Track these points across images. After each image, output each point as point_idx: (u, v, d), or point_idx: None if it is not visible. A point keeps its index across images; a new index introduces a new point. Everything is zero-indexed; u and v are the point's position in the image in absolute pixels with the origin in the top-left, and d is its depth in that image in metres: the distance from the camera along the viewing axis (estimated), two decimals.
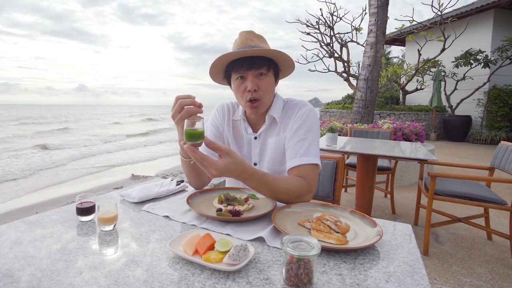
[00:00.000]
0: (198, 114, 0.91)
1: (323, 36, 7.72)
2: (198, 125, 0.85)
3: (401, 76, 10.62)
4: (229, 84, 1.18)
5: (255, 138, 1.23)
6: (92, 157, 9.98)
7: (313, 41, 7.88)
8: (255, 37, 1.12)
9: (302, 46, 7.99)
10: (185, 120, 0.85)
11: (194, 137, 0.84)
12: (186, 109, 0.91)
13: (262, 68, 1.08)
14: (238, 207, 0.94)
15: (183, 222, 0.89)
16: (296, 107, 1.18)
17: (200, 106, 0.91)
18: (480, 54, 8.81)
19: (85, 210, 0.90)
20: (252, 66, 1.06)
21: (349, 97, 12.28)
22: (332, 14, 7.41)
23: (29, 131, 19.62)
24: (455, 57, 9.24)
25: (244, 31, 1.13)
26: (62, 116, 41.29)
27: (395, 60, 19.30)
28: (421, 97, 11.02)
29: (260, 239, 0.78)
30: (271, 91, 1.14)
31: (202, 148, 0.87)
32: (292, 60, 1.13)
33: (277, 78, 1.18)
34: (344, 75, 7.61)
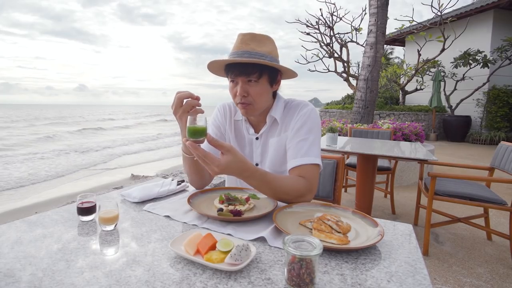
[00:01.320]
0: (199, 113, 0.91)
1: (323, 36, 7.74)
2: (200, 122, 0.85)
3: (401, 76, 10.63)
4: None
5: (257, 138, 1.23)
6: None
7: (313, 41, 7.89)
8: (252, 40, 1.08)
9: (302, 46, 8.01)
10: (188, 117, 0.86)
11: (196, 134, 0.84)
12: (187, 102, 0.94)
13: (252, 76, 1.06)
14: (239, 207, 0.94)
15: (184, 222, 0.89)
16: (297, 108, 1.17)
17: (197, 98, 0.94)
18: (479, 54, 8.82)
19: (86, 210, 0.90)
20: (242, 73, 1.06)
21: (349, 97, 12.29)
22: (332, 14, 7.42)
23: (63, 130, 19.61)
24: (454, 58, 9.26)
25: (242, 33, 1.12)
26: (77, 116, 41.30)
27: (396, 60, 19.30)
28: (421, 97, 11.03)
29: (262, 239, 0.78)
30: (262, 96, 1.11)
31: (204, 146, 0.87)
32: (287, 68, 1.10)
33: (275, 81, 1.15)
34: (344, 75, 7.62)
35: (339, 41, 7.68)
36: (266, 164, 1.21)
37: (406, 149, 2.68)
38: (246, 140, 1.25)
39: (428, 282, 0.61)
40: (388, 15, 5.63)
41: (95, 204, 0.92)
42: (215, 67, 1.14)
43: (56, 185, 6.02)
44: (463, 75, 9.35)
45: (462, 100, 9.39)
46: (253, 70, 1.06)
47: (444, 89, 9.90)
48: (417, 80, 9.94)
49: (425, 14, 9.72)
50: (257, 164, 1.23)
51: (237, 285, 0.59)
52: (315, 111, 1.17)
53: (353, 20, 7.41)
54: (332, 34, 7.65)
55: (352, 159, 3.32)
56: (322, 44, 7.79)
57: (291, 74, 1.18)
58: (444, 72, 9.95)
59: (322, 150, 2.55)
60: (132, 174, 6.25)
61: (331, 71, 7.89)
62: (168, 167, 7.53)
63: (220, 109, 1.31)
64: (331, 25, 7.54)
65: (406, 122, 5.07)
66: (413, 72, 8.41)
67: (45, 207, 4.16)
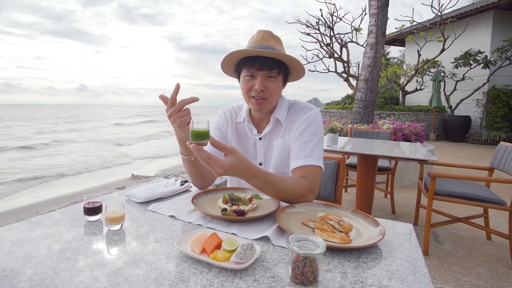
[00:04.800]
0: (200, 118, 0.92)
1: (323, 36, 7.75)
2: (203, 125, 0.87)
3: (401, 76, 10.65)
4: (238, 77, 1.20)
5: (260, 139, 1.24)
6: None
7: (313, 42, 7.91)
8: (271, 38, 1.13)
9: (302, 46, 8.02)
10: (191, 120, 0.88)
11: (200, 137, 0.86)
12: (179, 115, 0.95)
13: (273, 71, 1.09)
14: (243, 207, 0.96)
15: (189, 222, 0.91)
16: (302, 110, 1.20)
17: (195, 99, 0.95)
18: (480, 55, 8.84)
19: (93, 210, 0.91)
20: (263, 67, 1.08)
21: (349, 98, 12.30)
22: (332, 15, 7.44)
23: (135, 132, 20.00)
24: (454, 58, 9.27)
25: (262, 30, 1.15)
26: (100, 118, 41.29)
27: (395, 60, 19.32)
28: (421, 98, 11.05)
29: (265, 238, 0.80)
30: (278, 93, 1.15)
31: (207, 148, 0.88)
32: (303, 67, 1.14)
33: (285, 81, 1.19)
34: (344, 75, 7.64)
35: (339, 41, 7.69)
36: (271, 165, 1.22)
37: (406, 149, 2.69)
38: (250, 140, 1.27)
39: (428, 280, 0.62)
40: (388, 15, 5.65)
41: (101, 204, 0.93)
42: (230, 60, 1.14)
43: (56, 185, 6.05)
44: (463, 75, 9.36)
45: (462, 100, 9.40)
46: (275, 66, 1.09)
47: (444, 89, 9.91)
48: (417, 80, 9.96)
49: (425, 14, 9.75)
50: (260, 164, 1.25)
51: (243, 283, 0.60)
52: (319, 115, 1.19)
53: (353, 21, 7.43)
54: (332, 34, 7.67)
55: (353, 159, 3.34)
56: (322, 45, 7.81)
57: (297, 76, 1.23)
58: (444, 72, 9.97)
59: (323, 150, 2.57)
60: (132, 174, 6.27)
61: (331, 71, 7.90)
62: (167, 167, 7.55)
63: (221, 114, 1.33)
64: (331, 25, 7.55)
65: (406, 122, 5.09)
66: (413, 72, 8.43)
67: (45, 207, 4.17)
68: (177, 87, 0.93)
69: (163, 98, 0.94)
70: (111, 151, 11.53)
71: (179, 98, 0.95)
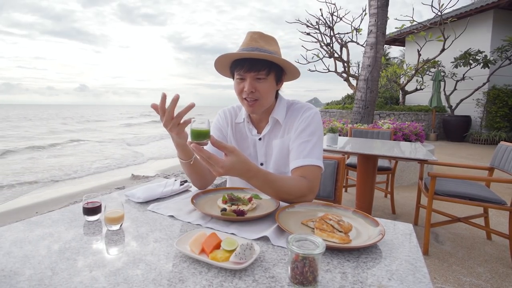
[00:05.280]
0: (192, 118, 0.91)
1: (323, 36, 7.76)
2: (204, 125, 0.87)
3: (401, 76, 10.64)
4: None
5: (260, 139, 1.24)
6: None
7: (313, 41, 7.91)
8: (261, 39, 1.12)
9: (302, 46, 8.02)
10: (192, 120, 0.88)
11: (200, 136, 0.86)
12: (175, 123, 0.93)
13: (261, 72, 1.09)
14: (242, 207, 0.96)
15: (188, 222, 0.91)
16: (301, 110, 1.19)
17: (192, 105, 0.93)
18: (479, 55, 8.84)
19: (92, 210, 0.91)
20: (251, 69, 1.08)
21: (349, 97, 12.29)
22: (332, 14, 7.44)
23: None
24: (454, 58, 9.27)
25: (251, 31, 1.14)
26: (105, 118, 41.27)
27: (395, 60, 19.33)
28: (421, 97, 11.04)
29: (265, 238, 0.80)
30: (269, 94, 1.14)
31: (208, 148, 0.88)
32: (293, 65, 1.12)
33: (280, 80, 1.18)
34: (344, 75, 7.64)
35: (339, 41, 7.69)
36: (271, 165, 1.22)
37: (406, 149, 2.69)
38: (250, 141, 1.27)
39: (428, 280, 0.62)
40: (388, 15, 5.65)
41: (101, 204, 0.93)
42: (223, 63, 1.15)
43: (56, 185, 6.05)
44: (463, 75, 9.35)
45: (462, 100, 9.39)
46: (263, 67, 1.08)
47: (444, 89, 9.91)
48: (417, 80, 9.95)
49: (425, 14, 9.74)
50: (261, 164, 1.25)
51: (242, 283, 0.60)
52: (318, 115, 1.19)
53: (353, 20, 7.43)
54: (332, 34, 7.67)
55: (353, 159, 3.34)
56: (322, 44, 7.81)
57: (293, 76, 1.21)
58: (444, 72, 9.96)
59: (323, 150, 2.57)
60: (132, 174, 6.27)
61: (331, 71, 7.91)
62: (167, 167, 7.55)
63: (221, 114, 1.33)
64: (331, 25, 7.55)
65: (406, 122, 5.08)
66: (413, 72, 8.43)
67: (45, 207, 4.17)
68: (171, 98, 0.91)
69: (155, 107, 0.92)
70: (128, 150, 11.62)
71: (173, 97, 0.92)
